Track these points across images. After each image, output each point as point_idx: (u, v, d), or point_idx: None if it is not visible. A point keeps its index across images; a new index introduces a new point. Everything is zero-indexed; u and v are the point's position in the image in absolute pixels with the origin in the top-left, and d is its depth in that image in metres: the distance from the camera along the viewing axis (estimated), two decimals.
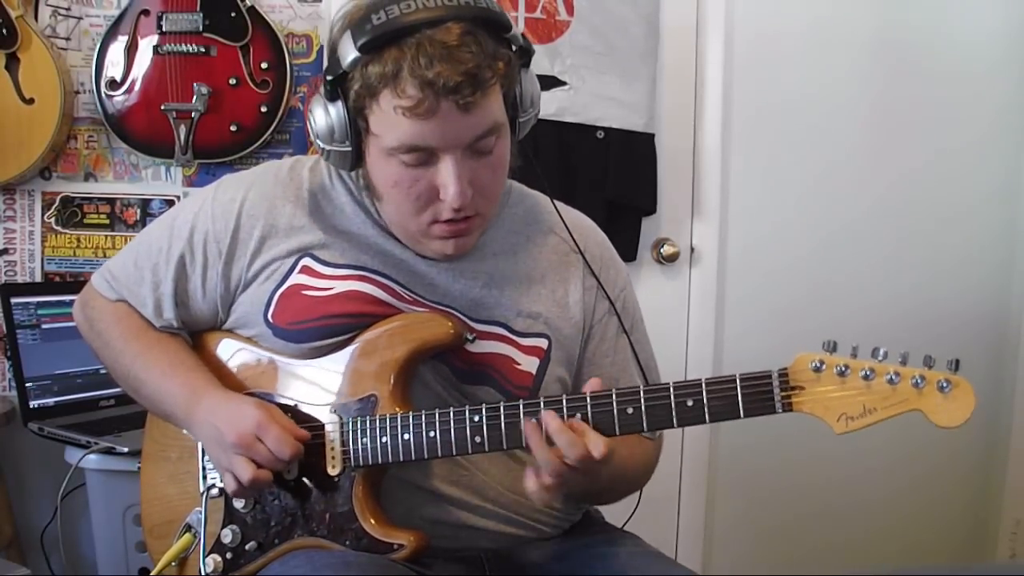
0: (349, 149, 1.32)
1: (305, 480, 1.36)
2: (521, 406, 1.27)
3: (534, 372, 1.42)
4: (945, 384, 1.12)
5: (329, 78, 1.28)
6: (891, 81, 2.79)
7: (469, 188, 1.30)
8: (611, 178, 2.59)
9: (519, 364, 1.41)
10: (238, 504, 1.38)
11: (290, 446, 1.30)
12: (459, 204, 1.29)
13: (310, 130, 1.36)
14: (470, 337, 1.37)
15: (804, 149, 2.78)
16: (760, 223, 2.77)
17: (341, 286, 1.40)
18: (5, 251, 2.51)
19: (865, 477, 2.82)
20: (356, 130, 1.31)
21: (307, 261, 1.41)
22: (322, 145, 1.34)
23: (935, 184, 2.85)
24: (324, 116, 1.31)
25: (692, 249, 2.74)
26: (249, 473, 1.30)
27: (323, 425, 1.35)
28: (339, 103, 1.30)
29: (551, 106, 2.49)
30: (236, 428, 1.31)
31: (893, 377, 1.14)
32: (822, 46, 2.76)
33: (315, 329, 1.38)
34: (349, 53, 1.25)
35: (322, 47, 2.55)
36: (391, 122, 1.26)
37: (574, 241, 1.52)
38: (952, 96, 2.82)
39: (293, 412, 1.38)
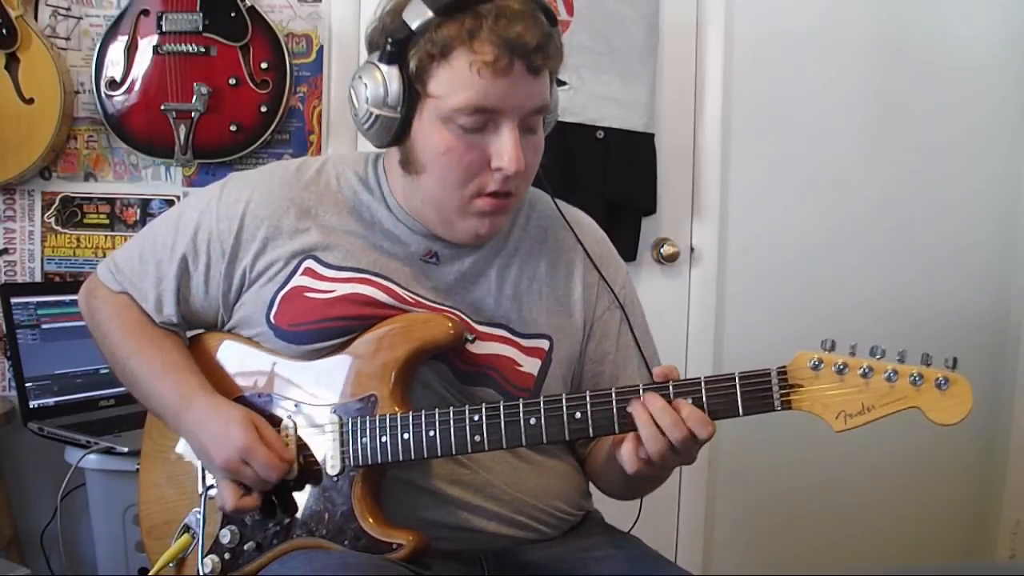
0: (398, 116, 1.33)
1: (304, 480, 1.36)
2: (521, 405, 1.27)
3: (535, 373, 1.43)
4: (943, 382, 1.12)
5: (391, 40, 1.30)
6: (890, 80, 2.80)
7: (523, 159, 1.32)
8: (611, 178, 2.59)
9: (520, 365, 1.42)
10: None
11: (277, 469, 1.32)
12: (515, 170, 1.30)
13: (353, 99, 1.37)
14: (470, 337, 1.38)
15: (804, 148, 2.78)
16: (760, 223, 2.77)
17: (343, 288, 1.40)
18: (5, 251, 2.51)
19: (865, 477, 2.82)
20: (409, 96, 1.32)
21: (309, 263, 1.42)
22: (373, 111, 1.33)
23: (935, 183, 2.85)
24: (379, 80, 1.32)
25: (692, 249, 2.74)
26: (232, 502, 1.33)
27: (322, 425, 1.36)
28: (395, 67, 1.31)
29: None
30: (222, 451, 1.33)
31: (891, 375, 1.14)
32: (822, 46, 2.76)
33: (316, 331, 1.39)
34: (421, 14, 1.28)
35: (322, 47, 2.55)
36: (462, 81, 1.28)
37: (575, 236, 1.52)
38: (951, 94, 2.83)
39: (291, 413, 1.39)
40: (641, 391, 1.24)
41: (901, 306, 2.78)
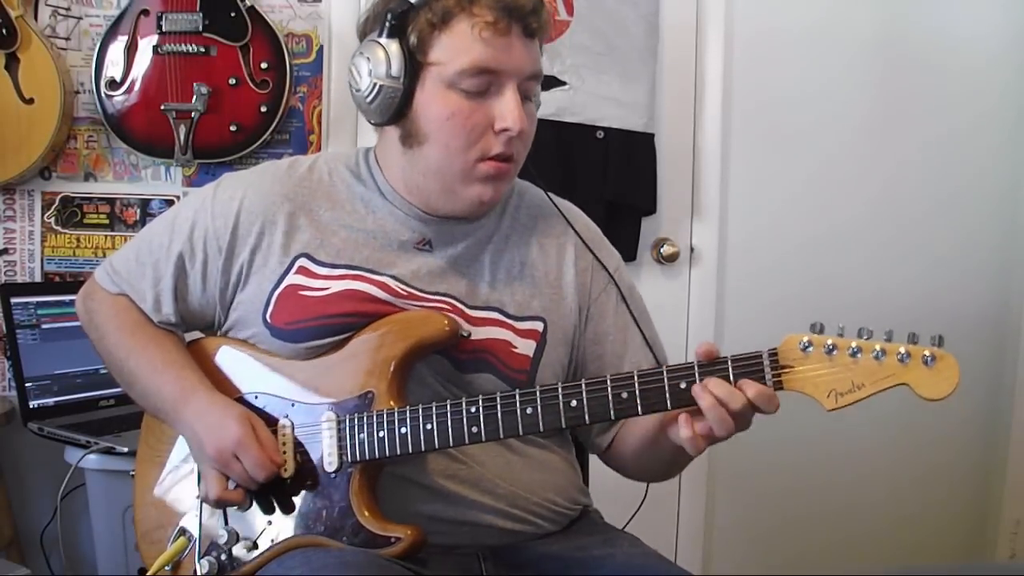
0: (401, 87, 1.36)
1: (301, 478, 1.36)
2: (517, 395, 1.28)
3: (531, 355, 1.44)
4: (930, 358, 1.14)
5: (392, 15, 1.35)
6: (890, 80, 2.80)
7: (524, 119, 1.36)
8: (611, 178, 2.60)
9: (516, 348, 1.43)
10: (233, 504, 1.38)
11: (266, 469, 1.33)
12: (519, 129, 1.35)
13: (354, 75, 1.40)
14: (466, 333, 1.38)
15: (804, 148, 2.78)
16: (760, 222, 2.78)
17: (337, 286, 1.41)
18: (5, 251, 2.51)
19: (865, 477, 2.82)
20: (411, 67, 1.36)
21: (303, 261, 1.43)
22: (377, 82, 1.37)
23: (935, 182, 2.86)
24: (380, 54, 1.36)
25: (692, 249, 2.74)
26: (217, 492, 1.34)
27: (319, 423, 1.36)
28: (396, 40, 1.35)
29: (551, 106, 2.49)
30: (215, 442, 1.34)
31: (879, 353, 1.16)
32: (821, 45, 2.76)
33: (312, 329, 1.40)
34: None
35: (322, 47, 2.55)
36: (464, 44, 1.34)
37: (566, 221, 1.54)
38: (951, 94, 2.83)
39: (288, 411, 1.39)
40: (636, 377, 1.24)
41: (901, 305, 2.78)
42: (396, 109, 1.38)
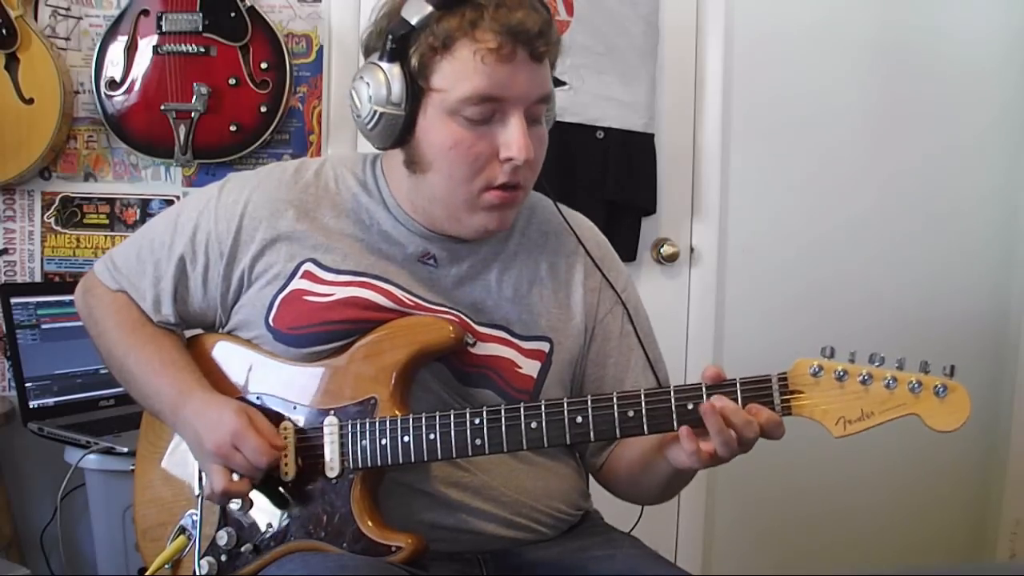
0: (403, 113, 1.32)
1: (303, 482, 1.36)
2: (522, 409, 1.27)
3: (535, 376, 1.43)
4: (941, 389, 1.14)
5: (392, 37, 1.30)
6: (891, 81, 2.80)
7: (531, 148, 1.31)
8: (611, 178, 2.59)
9: (520, 367, 1.42)
10: (234, 506, 1.38)
11: (266, 455, 1.32)
12: (524, 158, 1.30)
13: (355, 100, 1.36)
14: (470, 341, 1.38)
15: (804, 149, 2.78)
16: (760, 223, 2.77)
17: (342, 292, 1.40)
18: (5, 251, 2.51)
19: (865, 478, 2.81)
20: (412, 93, 1.31)
21: (309, 266, 1.42)
22: (378, 109, 1.32)
23: (935, 185, 2.85)
24: (381, 79, 1.32)
25: (692, 249, 2.74)
26: (222, 484, 1.33)
27: (321, 428, 1.35)
28: (397, 64, 1.31)
29: None
30: (214, 436, 1.33)
31: (890, 382, 1.15)
32: (822, 46, 2.76)
33: (315, 334, 1.39)
34: (420, 10, 1.28)
35: (322, 47, 2.55)
36: (465, 72, 1.28)
37: (577, 238, 1.52)
38: (952, 97, 2.83)
39: (290, 415, 1.39)
40: (642, 396, 1.24)
41: (901, 306, 2.78)
42: (398, 136, 1.34)
